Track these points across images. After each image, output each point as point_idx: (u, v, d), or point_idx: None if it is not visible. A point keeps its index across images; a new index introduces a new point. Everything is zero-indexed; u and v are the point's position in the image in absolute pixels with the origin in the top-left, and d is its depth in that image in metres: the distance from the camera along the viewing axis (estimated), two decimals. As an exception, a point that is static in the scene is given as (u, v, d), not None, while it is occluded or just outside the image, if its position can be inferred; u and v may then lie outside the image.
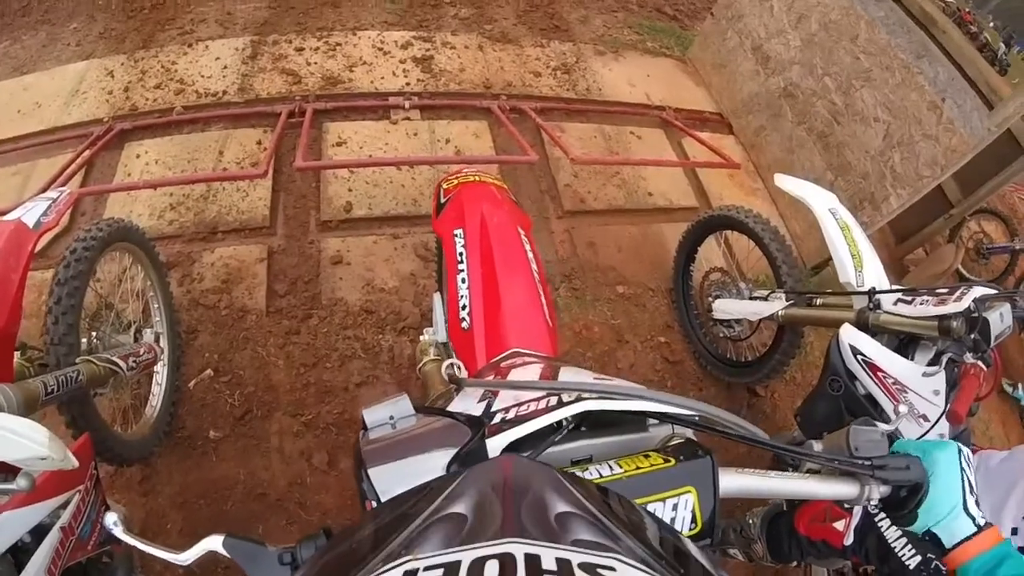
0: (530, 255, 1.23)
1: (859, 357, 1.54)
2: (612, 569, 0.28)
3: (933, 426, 1.41)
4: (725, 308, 2.29)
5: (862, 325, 1.62)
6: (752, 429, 0.61)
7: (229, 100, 3.14)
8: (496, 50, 3.70)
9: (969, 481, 0.69)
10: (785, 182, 2.03)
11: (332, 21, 3.77)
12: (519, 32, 3.96)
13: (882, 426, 0.70)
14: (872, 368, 1.52)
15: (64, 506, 1.02)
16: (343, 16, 3.84)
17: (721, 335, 2.45)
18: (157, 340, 1.93)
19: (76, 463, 0.89)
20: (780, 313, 2.00)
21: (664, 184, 3.08)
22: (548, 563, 0.27)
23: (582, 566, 0.27)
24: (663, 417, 0.67)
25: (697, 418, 0.62)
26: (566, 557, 0.28)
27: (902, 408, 0.83)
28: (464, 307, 1.15)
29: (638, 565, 0.29)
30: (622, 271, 2.70)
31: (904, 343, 1.58)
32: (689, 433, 0.68)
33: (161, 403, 2.00)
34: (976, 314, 1.40)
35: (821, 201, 1.90)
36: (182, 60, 3.44)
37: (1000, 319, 1.42)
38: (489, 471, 0.40)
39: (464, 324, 1.14)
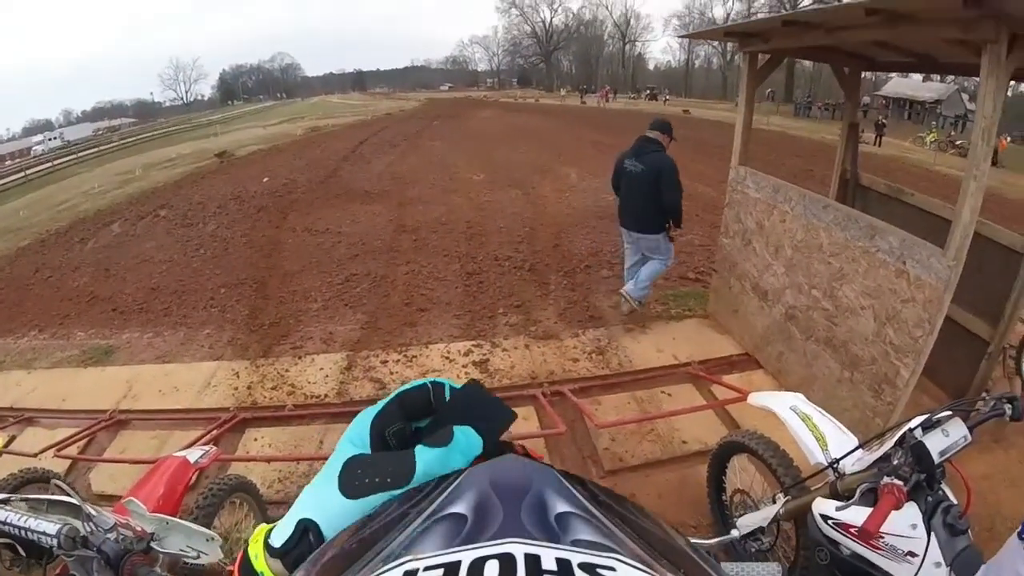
0: None
1: (830, 523, 1.63)
2: (612, 569, 0.28)
3: (924, 559, 1.41)
4: (745, 523, 2.27)
5: (835, 495, 1.68)
6: None
7: (329, 401, 3.97)
8: (540, 346, 4.54)
9: None
10: (756, 399, 2.14)
11: (410, 338, 4.84)
12: (559, 328, 4.84)
13: None
14: (844, 528, 1.58)
15: None
16: (419, 333, 4.93)
17: (752, 550, 2.40)
18: None
19: None
20: (781, 510, 2.00)
21: (698, 430, 3.35)
22: (548, 563, 0.27)
23: (582, 566, 0.27)
24: None
25: None
26: (566, 557, 0.28)
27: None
28: None
29: (638, 565, 0.29)
30: (663, 514, 2.76)
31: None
32: None
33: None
34: (915, 441, 1.46)
35: (783, 403, 2.04)
36: (293, 369, 4.43)
37: (944, 435, 1.46)
38: (489, 471, 0.40)
39: None
